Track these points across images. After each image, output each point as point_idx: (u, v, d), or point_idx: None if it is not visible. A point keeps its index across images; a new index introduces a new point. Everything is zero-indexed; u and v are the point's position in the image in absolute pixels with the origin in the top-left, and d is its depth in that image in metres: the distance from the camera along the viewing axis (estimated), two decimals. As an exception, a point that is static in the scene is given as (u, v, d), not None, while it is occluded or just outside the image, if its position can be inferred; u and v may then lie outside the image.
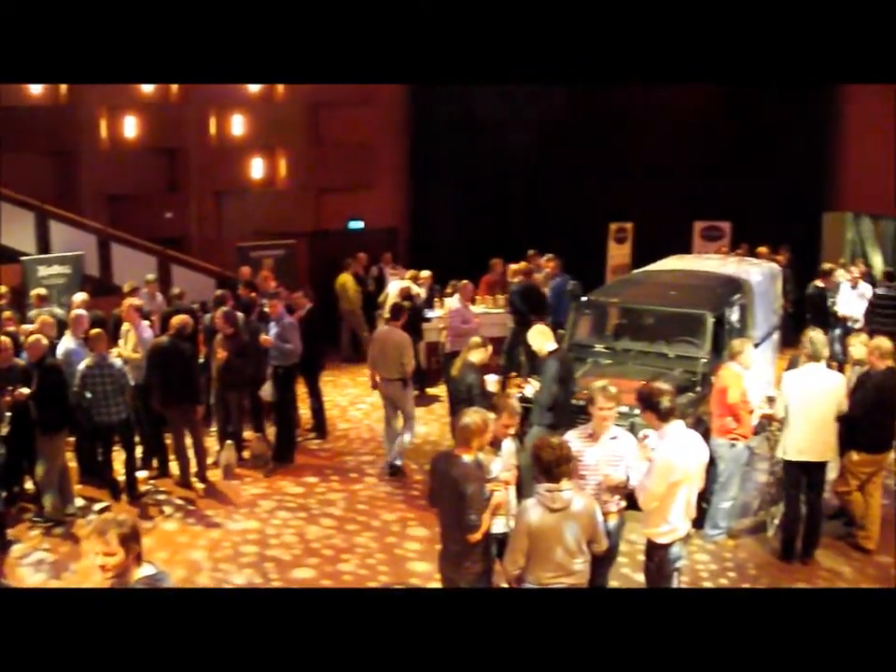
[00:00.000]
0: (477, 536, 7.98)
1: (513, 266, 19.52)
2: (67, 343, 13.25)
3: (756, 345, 13.28)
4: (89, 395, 12.36)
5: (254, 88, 23.79)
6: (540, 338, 11.86)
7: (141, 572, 5.83)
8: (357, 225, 24.77)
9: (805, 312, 18.80)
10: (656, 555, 8.64)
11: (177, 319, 13.32)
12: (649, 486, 8.30)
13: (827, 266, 19.51)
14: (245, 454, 14.73)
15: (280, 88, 24.26)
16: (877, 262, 25.62)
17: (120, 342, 13.96)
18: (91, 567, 10.47)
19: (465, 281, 17.27)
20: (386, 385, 14.00)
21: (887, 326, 17.31)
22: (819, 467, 11.02)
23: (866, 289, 18.42)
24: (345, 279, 20.86)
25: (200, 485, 13.51)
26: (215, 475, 13.89)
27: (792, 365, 12.34)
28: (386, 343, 13.89)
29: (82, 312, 13.81)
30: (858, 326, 17.44)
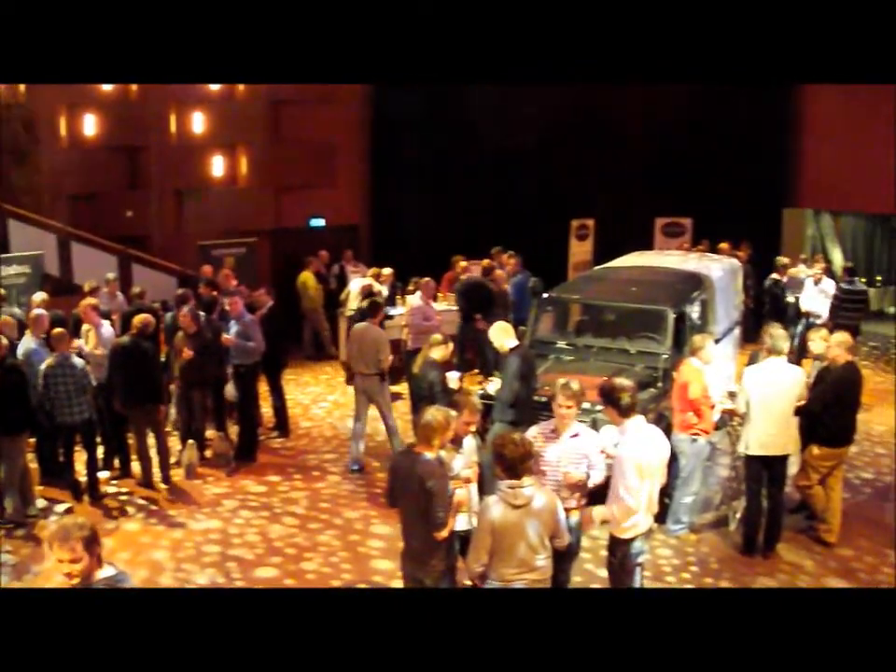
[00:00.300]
0: (444, 533, 7.98)
1: (462, 263, 19.58)
2: (28, 343, 13.12)
3: (717, 341, 13.35)
4: (53, 395, 12.29)
5: (214, 85, 23.64)
6: (502, 335, 11.87)
7: (102, 573, 5.81)
8: (319, 223, 24.70)
9: (763, 307, 19.02)
10: (619, 551, 8.69)
11: (139, 319, 13.22)
12: (631, 484, 8.35)
13: (782, 259, 19.66)
14: (208, 453, 14.69)
15: (240, 85, 24.11)
16: (837, 258, 25.87)
17: (80, 340, 13.87)
18: (53, 568, 10.43)
19: (427, 278, 17.27)
20: (364, 380, 14.08)
21: (851, 320, 17.53)
22: (781, 461, 11.08)
23: (828, 285, 18.57)
24: (306, 277, 20.86)
25: (162, 485, 13.44)
26: (177, 475, 13.83)
27: (753, 360, 12.41)
28: (364, 339, 13.99)
29: (42, 312, 13.71)
30: (819, 321, 17.54)
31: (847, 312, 18.05)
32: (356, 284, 18.95)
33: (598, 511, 8.66)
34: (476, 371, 17.39)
